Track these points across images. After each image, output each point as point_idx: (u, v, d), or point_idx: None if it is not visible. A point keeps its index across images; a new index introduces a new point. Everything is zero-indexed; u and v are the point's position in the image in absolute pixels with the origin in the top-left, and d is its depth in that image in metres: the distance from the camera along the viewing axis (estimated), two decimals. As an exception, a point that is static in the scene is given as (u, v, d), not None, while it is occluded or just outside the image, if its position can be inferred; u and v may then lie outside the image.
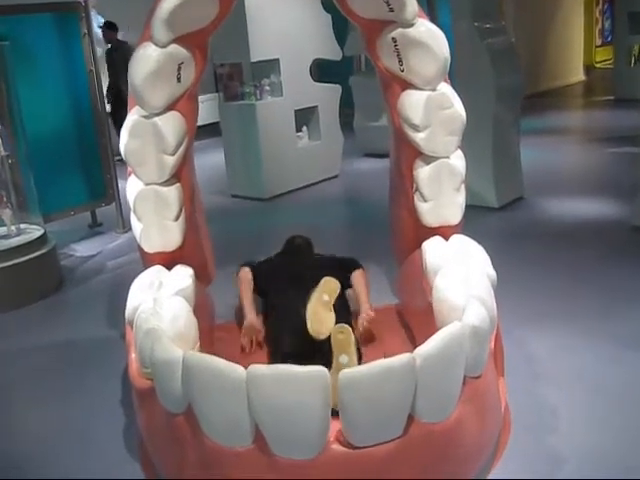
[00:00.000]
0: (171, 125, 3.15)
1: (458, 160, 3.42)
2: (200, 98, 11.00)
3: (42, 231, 5.57)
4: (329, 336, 3.09)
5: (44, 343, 4.53)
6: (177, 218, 3.31)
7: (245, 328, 3.73)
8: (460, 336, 2.42)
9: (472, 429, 2.57)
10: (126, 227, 6.58)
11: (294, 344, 3.28)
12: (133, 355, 2.93)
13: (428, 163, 3.40)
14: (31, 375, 4.15)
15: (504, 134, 6.45)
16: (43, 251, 5.40)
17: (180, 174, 3.34)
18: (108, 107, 9.02)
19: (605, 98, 13.37)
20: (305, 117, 8.26)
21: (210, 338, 3.82)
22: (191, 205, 3.51)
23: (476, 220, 5.71)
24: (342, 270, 3.93)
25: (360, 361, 3.11)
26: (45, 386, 4.00)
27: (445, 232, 3.54)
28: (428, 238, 3.55)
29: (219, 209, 7.39)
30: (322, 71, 9.18)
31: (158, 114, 3.13)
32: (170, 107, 3.16)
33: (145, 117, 3.12)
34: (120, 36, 10.49)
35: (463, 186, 3.45)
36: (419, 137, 3.32)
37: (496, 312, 2.85)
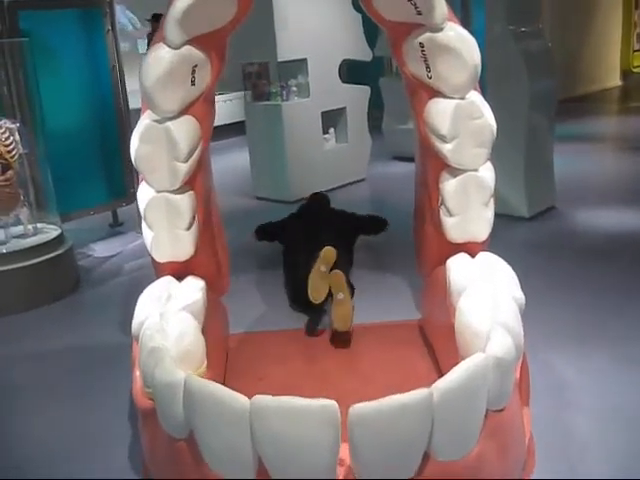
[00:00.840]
0: (184, 130, 2.99)
1: (487, 173, 3.22)
2: (229, 96, 10.97)
3: (59, 231, 5.48)
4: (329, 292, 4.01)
5: (57, 346, 4.46)
6: (189, 227, 3.16)
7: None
8: (483, 369, 2.24)
9: (494, 466, 2.39)
10: (146, 228, 6.47)
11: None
12: (137, 372, 2.80)
13: (455, 176, 3.20)
14: (42, 378, 4.08)
15: (537, 140, 6.22)
16: (59, 252, 5.32)
17: (194, 181, 3.19)
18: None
19: (642, 104, 13.06)
20: (332, 119, 8.10)
21: (223, 350, 3.70)
22: (205, 213, 3.35)
23: (505, 230, 5.52)
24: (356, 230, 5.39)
25: (352, 296, 4.12)
26: (56, 390, 3.93)
27: (471, 248, 3.35)
28: (453, 254, 3.37)
29: (243, 211, 7.27)
30: (351, 72, 9.00)
31: (171, 118, 2.97)
32: (184, 111, 3.00)
33: (157, 121, 2.97)
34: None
35: (492, 201, 3.25)
36: (446, 148, 3.12)
37: (523, 339, 2.66)
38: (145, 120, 3.01)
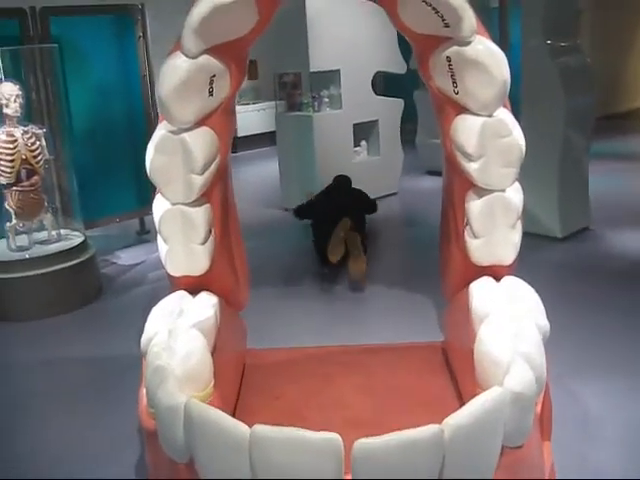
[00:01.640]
0: (201, 142, 2.90)
1: (515, 194, 3.07)
2: (261, 105, 10.97)
3: (82, 238, 5.45)
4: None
5: (73, 355, 4.45)
6: (204, 241, 3.07)
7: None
8: (499, 404, 2.11)
9: (510, 505, 2.25)
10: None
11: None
12: (144, 390, 2.71)
13: (481, 196, 3.06)
14: (56, 387, 4.07)
15: (572, 158, 6.06)
16: (82, 259, 5.30)
17: (210, 194, 3.09)
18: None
19: (686, 123, 12.73)
20: (364, 131, 8.01)
21: (237, 367, 3.60)
22: (223, 226, 3.26)
23: (536, 250, 5.36)
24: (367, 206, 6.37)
25: (365, 251, 5.47)
26: (68, 399, 3.94)
27: (496, 271, 3.21)
28: (477, 277, 3.23)
29: (271, 223, 7.22)
30: (386, 84, 8.91)
31: (187, 129, 2.88)
32: (200, 122, 2.90)
33: (173, 132, 2.89)
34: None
35: (519, 223, 3.10)
36: (472, 167, 2.98)
37: (545, 372, 2.51)
38: (161, 130, 2.93)
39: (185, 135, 2.88)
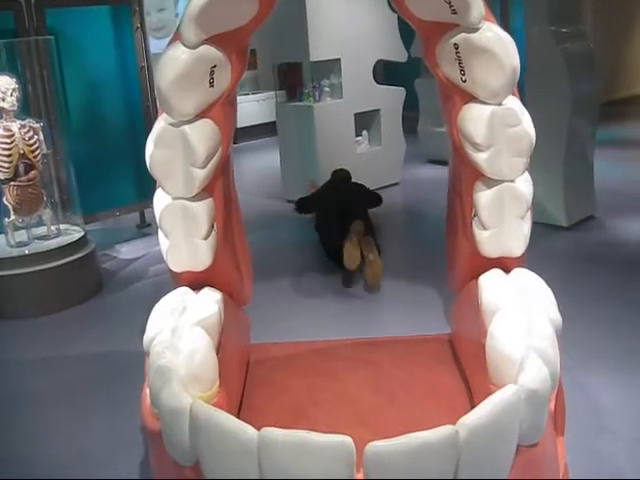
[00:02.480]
0: (202, 134, 2.82)
1: (524, 184, 3.00)
2: (261, 95, 10.93)
3: (82, 233, 5.38)
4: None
5: (73, 352, 4.40)
6: (207, 236, 3.00)
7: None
8: (514, 402, 2.04)
9: (526, 504, 2.19)
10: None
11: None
12: (147, 390, 2.64)
13: (490, 187, 2.98)
14: (55, 385, 4.02)
15: (577, 145, 5.99)
16: (82, 254, 5.24)
17: (212, 188, 3.02)
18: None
19: (689, 108, 12.63)
20: (366, 121, 7.93)
21: (242, 363, 3.54)
22: (225, 221, 3.19)
23: (542, 239, 5.29)
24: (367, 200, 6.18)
25: (380, 254, 5.21)
26: (67, 397, 3.87)
27: (506, 263, 3.14)
28: (486, 269, 3.16)
29: (273, 215, 7.15)
30: (387, 73, 8.81)
31: (187, 122, 2.80)
32: (201, 114, 2.83)
33: (173, 125, 2.81)
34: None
35: (529, 214, 3.03)
36: (481, 157, 2.91)
37: (559, 367, 2.44)
38: (160, 123, 2.85)
39: (185, 127, 2.80)
